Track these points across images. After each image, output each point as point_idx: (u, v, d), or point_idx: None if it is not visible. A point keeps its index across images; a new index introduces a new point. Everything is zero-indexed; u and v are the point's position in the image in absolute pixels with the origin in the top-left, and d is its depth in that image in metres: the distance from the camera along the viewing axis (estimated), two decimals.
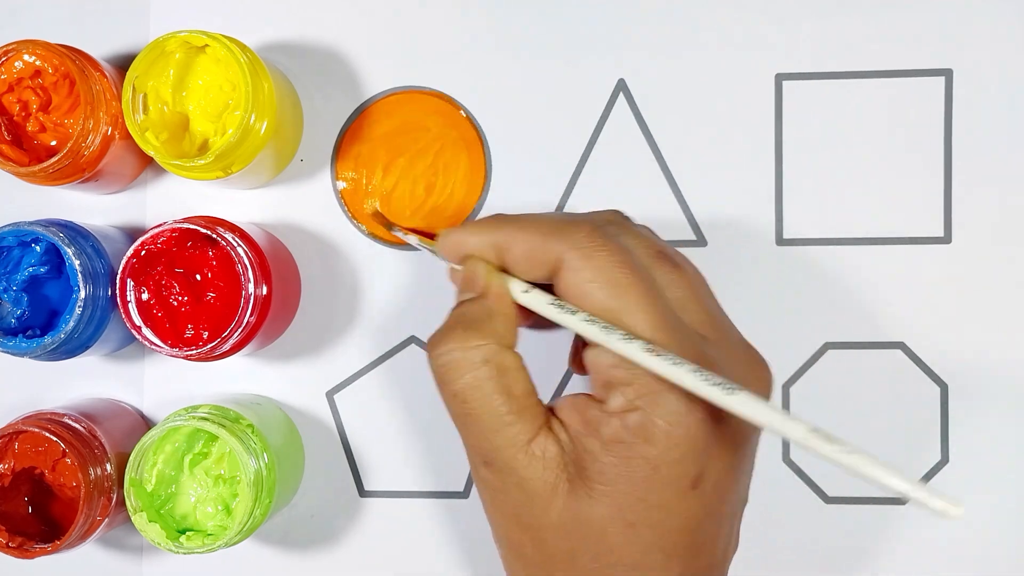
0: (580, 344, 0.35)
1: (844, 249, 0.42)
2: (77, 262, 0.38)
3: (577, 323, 0.31)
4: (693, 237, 0.43)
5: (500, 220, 0.33)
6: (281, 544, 0.44)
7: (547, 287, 0.33)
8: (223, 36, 0.38)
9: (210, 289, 0.40)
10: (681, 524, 0.30)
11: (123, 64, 0.43)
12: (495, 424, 0.31)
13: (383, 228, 0.43)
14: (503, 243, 0.33)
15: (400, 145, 0.44)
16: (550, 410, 0.32)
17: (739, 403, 0.28)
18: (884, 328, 0.42)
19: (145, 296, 0.40)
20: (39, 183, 0.41)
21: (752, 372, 0.32)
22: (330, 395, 0.44)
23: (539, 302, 0.32)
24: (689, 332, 0.31)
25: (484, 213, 0.44)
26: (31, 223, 0.39)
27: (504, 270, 0.33)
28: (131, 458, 0.39)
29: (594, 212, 0.35)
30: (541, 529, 0.30)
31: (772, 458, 0.43)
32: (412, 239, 0.40)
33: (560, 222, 0.32)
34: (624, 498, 0.29)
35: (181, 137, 0.40)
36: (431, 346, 0.32)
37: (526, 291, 0.33)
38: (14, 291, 0.39)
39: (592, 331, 0.30)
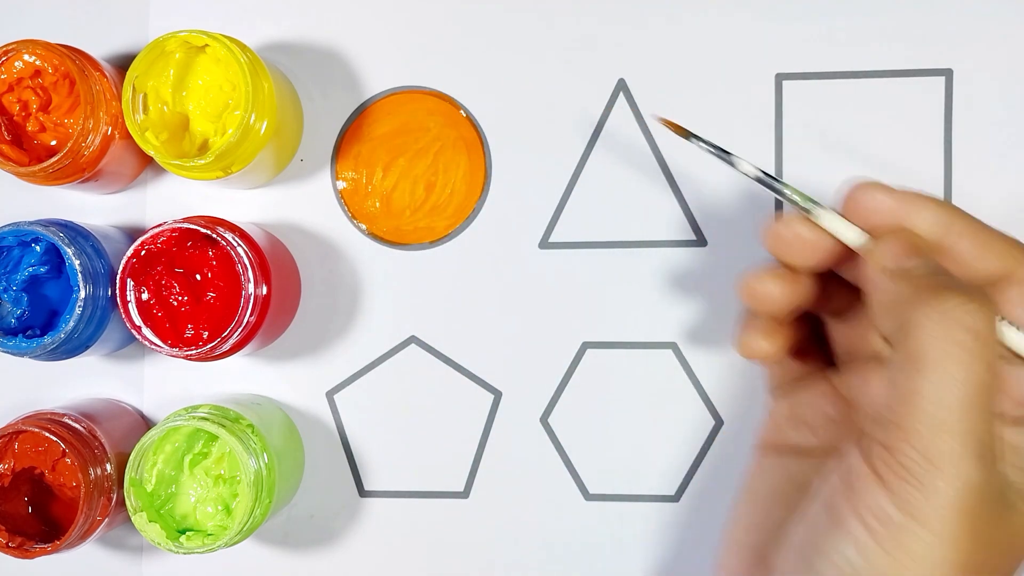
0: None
1: None
2: (77, 262, 0.38)
3: None
4: (693, 237, 0.43)
5: (952, 207, 0.29)
6: (281, 544, 0.44)
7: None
8: (223, 36, 0.38)
9: (210, 289, 0.40)
10: None
11: (123, 64, 0.43)
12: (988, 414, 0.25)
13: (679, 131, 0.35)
14: (957, 234, 0.28)
15: (400, 145, 0.44)
16: None
17: None
18: None
19: (145, 296, 0.40)
20: (39, 183, 0.41)
21: None
22: (330, 395, 0.44)
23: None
24: None
25: (484, 213, 0.44)
26: (31, 223, 0.39)
27: None
28: (131, 458, 0.39)
29: None
30: (992, 544, 0.26)
31: None
32: (746, 166, 0.33)
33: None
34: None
35: (181, 137, 0.40)
36: (980, 301, 0.25)
37: None
38: (14, 291, 0.39)
39: None
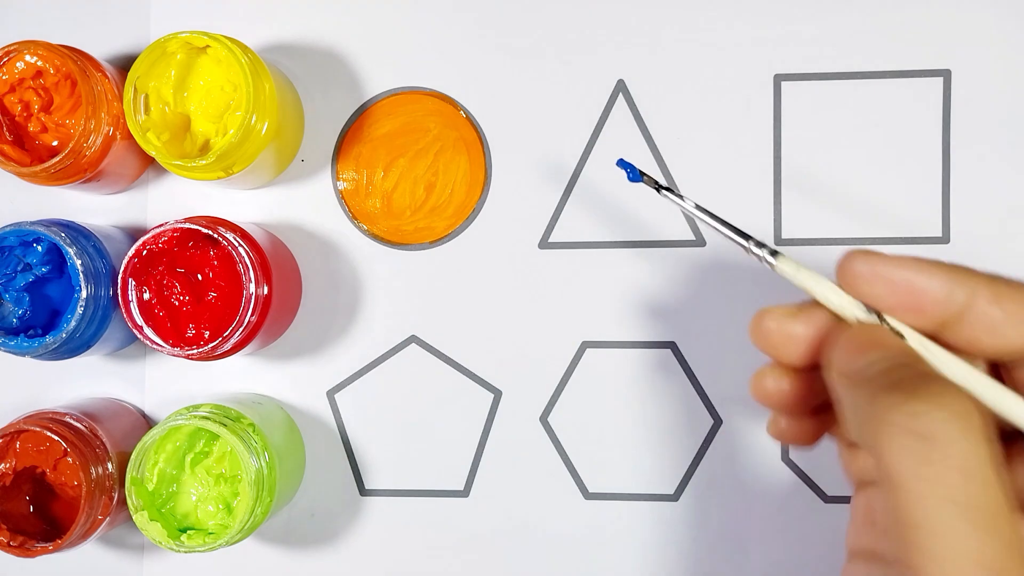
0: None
1: (843, 249, 0.42)
2: (79, 262, 0.38)
3: None
4: (693, 237, 0.43)
5: (965, 270, 0.24)
6: (281, 543, 0.44)
7: None
8: (224, 37, 0.38)
9: (211, 289, 0.40)
10: None
11: (124, 64, 0.43)
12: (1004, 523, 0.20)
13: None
14: (985, 300, 0.23)
15: (400, 145, 0.44)
16: None
17: None
18: None
19: (147, 296, 0.40)
20: (41, 183, 0.41)
21: None
22: (331, 394, 0.44)
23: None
24: None
25: (484, 213, 0.44)
26: (33, 223, 0.39)
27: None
28: (132, 457, 0.39)
29: None
30: None
31: (772, 458, 0.43)
32: (726, 231, 0.29)
33: None
34: None
35: (182, 137, 0.41)
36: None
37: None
38: (16, 291, 0.40)
39: None
